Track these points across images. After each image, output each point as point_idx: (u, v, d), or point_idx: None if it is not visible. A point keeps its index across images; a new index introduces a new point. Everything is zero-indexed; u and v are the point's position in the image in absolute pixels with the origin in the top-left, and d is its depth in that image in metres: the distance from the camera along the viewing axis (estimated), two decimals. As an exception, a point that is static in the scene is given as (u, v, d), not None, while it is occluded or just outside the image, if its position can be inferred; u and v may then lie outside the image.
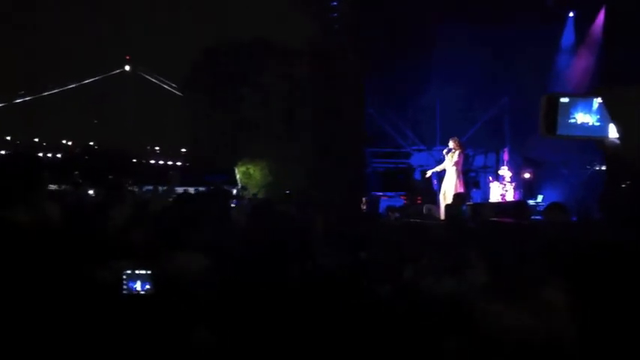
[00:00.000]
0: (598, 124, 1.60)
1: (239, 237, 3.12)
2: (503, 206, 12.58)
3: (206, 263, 2.63)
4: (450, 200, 11.54)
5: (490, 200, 14.85)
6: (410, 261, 3.04)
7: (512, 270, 1.88)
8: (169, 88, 73.14)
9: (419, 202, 14.49)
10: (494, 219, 8.57)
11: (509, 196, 14.88)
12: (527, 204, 12.41)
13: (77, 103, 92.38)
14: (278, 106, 19.76)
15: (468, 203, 11.86)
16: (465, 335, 1.51)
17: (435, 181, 14.89)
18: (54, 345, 1.96)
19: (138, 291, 2.57)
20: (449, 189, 12.30)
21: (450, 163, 12.57)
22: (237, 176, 20.95)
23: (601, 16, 15.10)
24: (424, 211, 12.59)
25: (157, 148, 66.18)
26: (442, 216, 11.31)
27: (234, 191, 19.41)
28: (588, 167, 15.46)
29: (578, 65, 15.64)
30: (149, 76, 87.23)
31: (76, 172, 20.04)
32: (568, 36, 15.95)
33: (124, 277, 2.59)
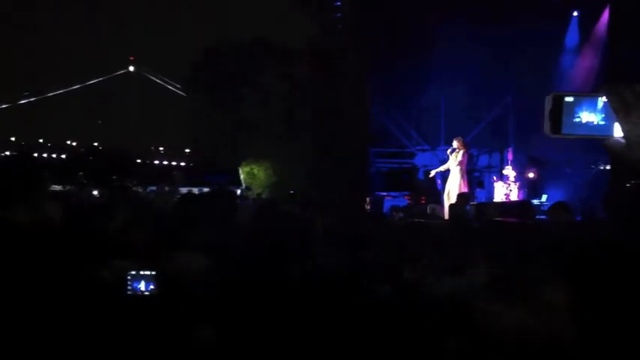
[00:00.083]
0: (603, 123, 1.60)
1: (243, 237, 3.12)
2: (507, 206, 12.56)
3: (210, 263, 2.63)
4: (454, 200, 11.52)
5: (494, 200, 14.82)
6: (412, 261, 3.04)
7: (516, 270, 1.87)
8: (173, 89, 73.28)
9: (423, 202, 14.47)
10: (499, 219, 8.58)
11: (514, 196, 14.84)
12: (531, 203, 12.39)
13: (81, 103, 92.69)
14: (278, 106, 19.78)
15: (472, 203, 11.84)
16: (469, 336, 1.51)
17: (438, 181, 14.87)
18: (58, 346, 1.97)
19: (142, 291, 2.58)
20: (453, 189, 12.28)
21: (454, 162, 12.55)
22: (242, 176, 20.97)
23: (605, 15, 15.05)
24: (428, 210, 12.57)
25: (161, 148, 66.32)
26: (446, 216, 11.29)
27: (238, 191, 19.42)
28: (592, 167, 15.42)
29: (583, 65, 15.60)
30: (153, 76, 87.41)
31: (81, 173, 20.08)
32: (572, 35, 15.91)
33: (129, 277, 2.60)
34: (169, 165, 49.21)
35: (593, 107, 1.61)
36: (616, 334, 1.56)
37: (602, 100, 1.59)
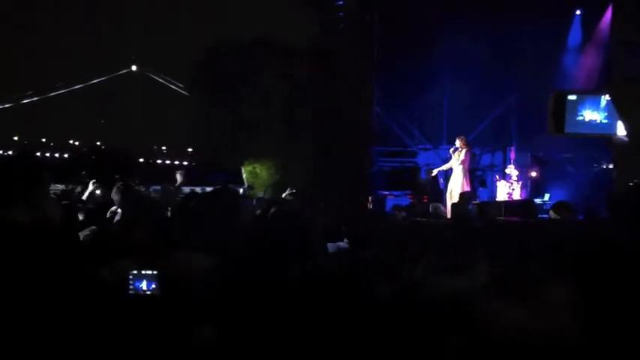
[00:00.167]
0: (606, 121, 1.59)
1: (244, 236, 3.12)
2: (509, 205, 12.56)
3: (211, 263, 2.63)
4: (456, 199, 11.54)
5: (497, 199, 14.81)
6: (413, 260, 3.03)
7: (518, 269, 1.87)
8: (176, 88, 73.32)
9: (425, 201, 14.47)
10: (501, 218, 8.58)
11: (516, 195, 14.84)
12: (534, 203, 12.37)
13: (84, 103, 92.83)
14: (278, 106, 19.78)
15: (474, 202, 11.85)
16: (470, 336, 1.50)
17: (441, 180, 14.87)
18: (59, 346, 1.96)
19: (144, 291, 2.58)
20: (455, 188, 12.29)
21: (456, 161, 12.56)
22: (244, 175, 20.97)
23: (608, 14, 15.01)
24: (430, 210, 12.57)
25: (164, 147, 66.39)
26: (448, 215, 11.30)
27: (241, 190, 19.42)
28: (595, 165, 15.39)
29: (586, 63, 15.56)
30: (155, 75, 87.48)
31: (83, 172, 20.08)
32: (575, 34, 15.88)
33: (130, 277, 2.60)
34: (172, 164, 49.26)
35: (596, 105, 1.60)
36: (618, 334, 1.55)
37: (605, 99, 1.58)
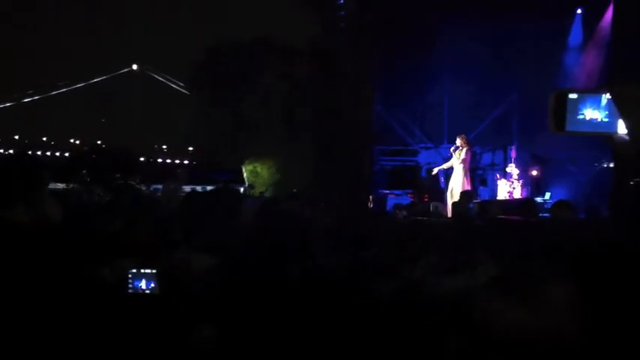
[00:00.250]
0: (607, 120, 1.58)
1: (244, 236, 3.12)
2: (510, 204, 12.57)
3: (211, 263, 2.62)
4: (457, 198, 11.53)
5: (497, 198, 14.81)
6: (414, 260, 3.03)
7: (519, 268, 1.86)
8: (177, 87, 73.34)
9: (426, 199, 14.48)
10: (502, 216, 8.57)
11: (517, 194, 14.83)
12: (534, 201, 12.39)
13: (85, 102, 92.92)
14: (278, 105, 19.80)
15: (475, 201, 11.85)
16: (471, 336, 1.50)
17: (442, 179, 14.86)
18: (59, 345, 1.96)
19: (143, 290, 2.58)
20: (456, 187, 12.29)
21: (457, 160, 12.55)
22: (245, 175, 20.98)
23: (609, 13, 14.99)
24: (431, 208, 12.60)
25: (165, 146, 66.41)
26: (449, 214, 11.30)
27: (242, 189, 19.43)
28: (596, 164, 15.37)
29: (587, 62, 15.55)
30: (156, 74, 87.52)
31: (84, 171, 20.09)
32: (576, 32, 15.86)
33: (130, 275, 2.60)
34: (173, 163, 49.28)
35: (597, 104, 1.60)
36: (619, 334, 1.55)
37: (605, 97, 1.58)
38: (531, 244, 2.73)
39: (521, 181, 15.14)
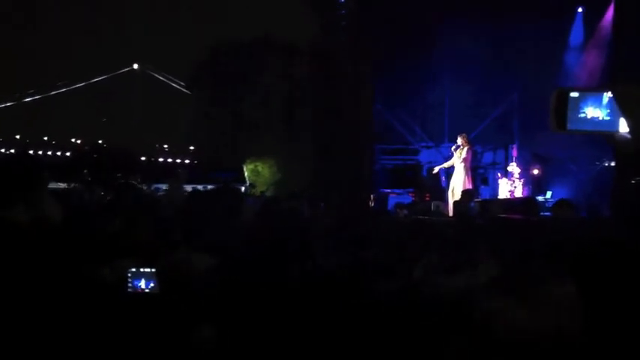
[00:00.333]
0: (608, 118, 1.58)
1: (245, 235, 3.11)
2: (511, 203, 12.56)
3: (211, 262, 2.62)
4: (458, 197, 11.52)
5: (498, 197, 14.80)
6: (415, 259, 3.03)
7: (520, 267, 1.86)
8: (177, 86, 73.36)
9: (427, 199, 14.47)
10: (503, 215, 8.57)
11: (518, 193, 14.82)
12: (535, 200, 12.39)
13: (86, 101, 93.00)
14: (278, 105, 19.82)
15: (476, 200, 11.84)
16: (472, 335, 1.49)
17: (443, 178, 14.86)
18: (58, 344, 1.96)
19: (142, 289, 2.57)
20: (457, 186, 12.28)
21: (458, 159, 12.54)
22: (246, 174, 20.99)
23: (610, 11, 14.98)
24: (432, 207, 12.58)
25: (165, 145, 66.39)
26: (450, 213, 11.30)
27: (243, 189, 19.44)
28: (597, 163, 15.37)
29: (588, 60, 15.54)
30: (157, 74, 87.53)
31: (85, 171, 20.09)
32: (577, 32, 15.84)
33: (129, 275, 2.59)
34: (174, 162, 49.26)
35: (598, 103, 1.59)
36: (619, 334, 1.54)
37: (607, 96, 1.57)
38: (532, 244, 2.73)
39: (522, 180, 15.13)
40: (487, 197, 14.84)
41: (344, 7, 17.50)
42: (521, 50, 14.79)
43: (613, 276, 1.60)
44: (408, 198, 15.37)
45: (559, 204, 6.46)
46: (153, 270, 2.57)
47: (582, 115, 1.61)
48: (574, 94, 1.62)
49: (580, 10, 15.62)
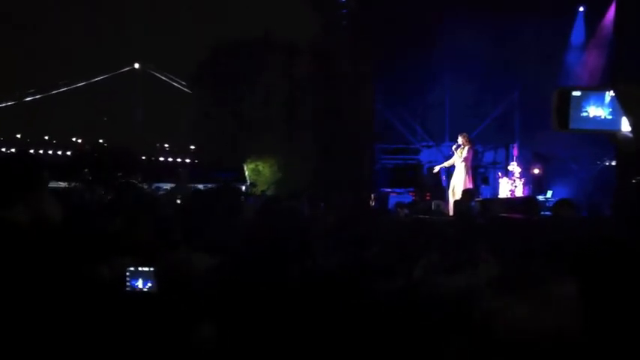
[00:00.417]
0: (610, 117, 1.57)
1: (245, 234, 3.11)
2: (512, 202, 12.54)
3: (211, 262, 2.61)
4: (458, 196, 11.50)
5: (499, 196, 14.79)
6: (415, 259, 3.02)
7: (521, 267, 1.86)
8: (179, 86, 73.38)
9: (428, 198, 14.47)
10: (504, 215, 8.55)
11: (519, 192, 14.82)
12: (536, 200, 12.36)
13: (86, 101, 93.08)
14: (279, 105, 19.85)
15: (476, 199, 11.83)
16: (471, 335, 1.49)
17: (443, 177, 14.85)
18: (54, 344, 1.95)
19: (140, 288, 2.57)
20: (458, 185, 12.27)
21: (459, 159, 12.53)
22: (246, 173, 21.00)
23: (611, 11, 14.96)
24: (433, 207, 12.56)
25: (166, 145, 66.43)
26: (451, 212, 11.28)
27: (243, 188, 19.45)
28: (598, 162, 15.36)
29: (590, 59, 15.53)
30: (158, 73, 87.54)
31: (86, 170, 20.10)
32: (578, 31, 15.83)
33: (127, 274, 2.59)
34: (174, 162, 49.30)
35: (600, 101, 1.58)
36: (621, 333, 1.54)
37: (609, 95, 1.56)
38: (533, 243, 2.72)
39: (522, 180, 15.13)
40: (488, 196, 14.84)
41: (344, 7, 17.50)
42: (522, 49, 14.79)
43: (614, 275, 1.59)
44: (408, 197, 15.36)
45: (560, 203, 6.45)
46: (151, 269, 2.57)
47: (584, 115, 1.60)
48: (576, 93, 1.62)
49: (581, 9, 15.61)
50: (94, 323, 2.08)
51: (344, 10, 17.67)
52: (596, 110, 1.59)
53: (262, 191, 18.53)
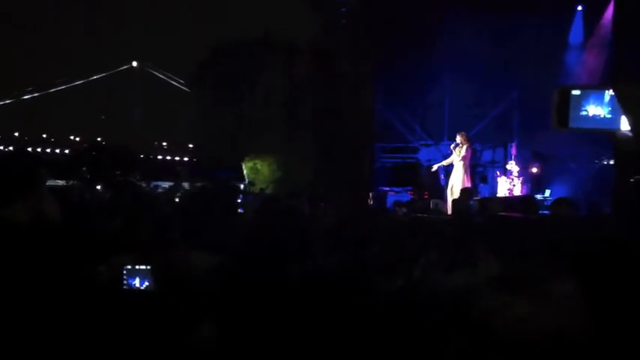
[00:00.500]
0: (610, 116, 1.58)
1: (243, 233, 3.11)
2: (510, 201, 12.55)
3: (210, 261, 2.61)
4: (457, 195, 11.52)
5: (497, 195, 14.80)
6: (414, 258, 3.02)
7: (519, 266, 1.85)
8: (177, 84, 73.31)
9: (426, 197, 14.48)
10: (502, 214, 8.56)
11: (517, 191, 14.84)
12: (534, 199, 12.37)
13: (85, 99, 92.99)
14: (279, 105, 19.85)
15: (475, 198, 11.84)
16: (472, 335, 1.48)
17: (442, 176, 14.86)
18: (51, 343, 1.95)
19: (137, 287, 2.56)
20: (456, 184, 12.28)
21: (457, 157, 12.54)
22: (245, 171, 20.99)
23: (610, 10, 14.97)
24: (431, 206, 12.59)
25: (165, 143, 66.34)
26: (449, 211, 11.29)
27: (242, 186, 19.44)
28: (597, 161, 15.37)
29: (589, 59, 15.53)
30: (156, 71, 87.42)
31: (84, 168, 20.10)
32: (577, 30, 15.83)
33: (124, 272, 2.58)
34: (173, 160, 49.25)
35: (600, 100, 1.59)
36: (621, 333, 1.54)
37: (608, 94, 1.57)
38: (532, 242, 2.72)
39: (521, 179, 15.14)
40: (486, 195, 14.85)
41: (344, 5, 17.49)
42: (521, 49, 14.81)
43: (613, 274, 1.59)
44: (406, 196, 15.36)
45: (558, 202, 6.47)
46: (148, 268, 2.56)
47: (584, 113, 1.61)
48: (576, 92, 1.62)
49: (580, 8, 15.61)
50: (91, 322, 2.07)
51: (343, 9, 17.67)
52: (596, 109, 1.59)
53: (261, 189, 18.52)
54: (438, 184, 15.00)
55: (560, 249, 1.92)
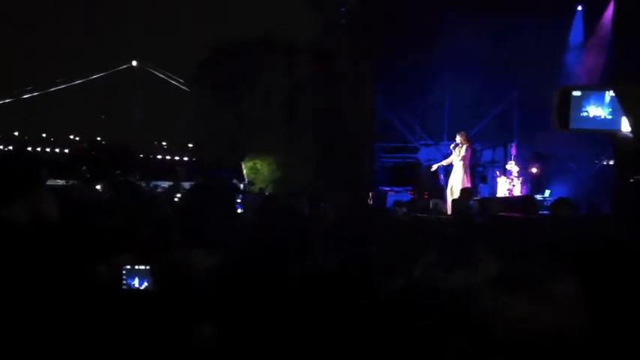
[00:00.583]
0: (610, 117, 1.57)
1: (243, 233, 3.10)
2: (510, 201, 12.55)
3: (210, 261, 2.60)
4: (457, 195, 11.52)
5: (497, 195, 14.80)
6: (414, 258, 3.02)
7: (519, 265, 1.85)
8: (177, 84, 73.32)
9: (426, 197, 14.47)
10: (502, 214, 8.56)
11: (517, 191, 14.83)
12: (534, 199, 12.37)
13: (84, 98, 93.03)
14: (279, 105, 19.86)
15: (475, 198, 11.84)
16: (472, 335, 1.48)
17: (441, 176, 14.85)
18: (50, 343, 1.95)
19: (137, 287, 2.56)
20: (456, 184, 12.28)
21: (457, 157, 12.54)
22: (244, 171, 20.99)
23: (610, 10, 14.96)
24: (431, 206, 12.58)
25: (164, 143, 66.35)
26: (449, 211, 11.29)
27: (241, 186, 19.44)
28: (597, 161, 15.36)
29: (589, 59, 15.52)
30: (156, 71, 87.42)
31: (84, 168, 20.11)
32: (577, 30, 15.82)
33: (124, 272, 2.58)
34: (172, 160, 49.27)
35: (600, 101, 1.58)
36: (621, 333, 1.54)
37: (609, 94, 1.56)
38: (531, 242, 2.72)
39: (520, 179, 15.14)
40: (486, 195, 14.85)
41: (344, 5, 17.48)
42: (521, 49, 14.79)
43: (613, 274, 1.59)
44: (406, 196, 15.36)
45: (558, 202, 6.47)
46: (147, 268, 2.56)
47: (584, 114, 1.60)
48: (576, 93, 1.62)
49: (580, 8, 15.60)
50: (91, 322, 2.07)
51: (343, 9, 17.66)
52: (596, 110, 1.59)
53: (261, 189, 18.52)
54: (437, 184, 14.99)
55: (560, 249, 1.92)
